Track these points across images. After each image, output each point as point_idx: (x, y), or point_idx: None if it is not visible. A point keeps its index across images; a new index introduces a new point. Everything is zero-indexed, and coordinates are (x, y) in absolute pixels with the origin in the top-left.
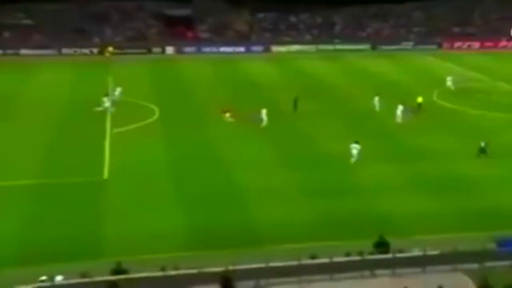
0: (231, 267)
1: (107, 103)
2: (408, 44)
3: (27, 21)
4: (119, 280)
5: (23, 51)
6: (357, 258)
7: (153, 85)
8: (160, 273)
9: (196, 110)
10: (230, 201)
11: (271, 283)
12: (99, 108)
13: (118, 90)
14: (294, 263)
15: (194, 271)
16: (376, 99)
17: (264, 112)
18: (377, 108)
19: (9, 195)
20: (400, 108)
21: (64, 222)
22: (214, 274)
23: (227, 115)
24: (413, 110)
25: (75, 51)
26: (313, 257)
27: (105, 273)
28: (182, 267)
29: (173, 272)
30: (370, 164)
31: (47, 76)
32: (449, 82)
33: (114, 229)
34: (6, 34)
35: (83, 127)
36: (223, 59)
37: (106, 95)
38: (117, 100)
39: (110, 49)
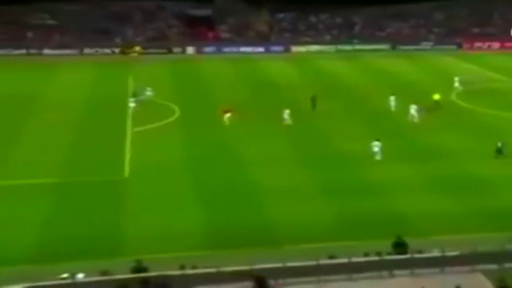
0: (249, 267)
1: (131, 102)
2: (427, 45)
3: (51, 21)
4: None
5: (46, 51)
6: (376, 258)
7: (173, 84)
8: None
9: (216, 110)
10: (248, 200)
11: (289, 283)
12: (131, 104)
13: (148, 90)
14: (312, 263)
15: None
16: (392, 98)
17: (287, 112)
18: (392, 108)
19: (32, 193)
20: (413, 107)
21: (85, 220)
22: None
23: (228, 115)
24: (428, 108)
25: (96, 51)
26: (331, 257)
27: (125, 271)
28: (200, 266)
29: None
30: (388, 164)
31: (69, 75)
32: (456, 83)
33: (134, 227)
34: (30, 34)
35: (104, 126)
36: (243, 59)
37: (135, 95)
38: (146, 100)
39: (137, 48)
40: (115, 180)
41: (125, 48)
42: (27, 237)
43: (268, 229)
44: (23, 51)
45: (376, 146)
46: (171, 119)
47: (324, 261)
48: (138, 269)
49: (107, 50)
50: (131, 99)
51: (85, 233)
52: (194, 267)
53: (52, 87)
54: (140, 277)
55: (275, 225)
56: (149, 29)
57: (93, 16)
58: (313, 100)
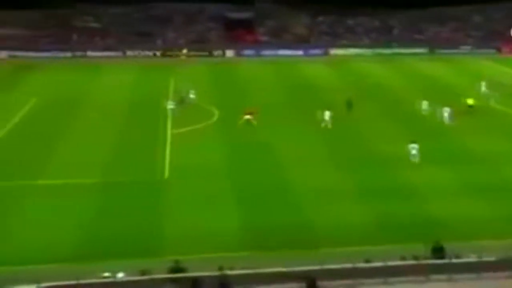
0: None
1: (171, 105)
2: (466, 48)
3: (95, 24)
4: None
5: (90, 53)
6: (412, 262)
7: (212, 87)
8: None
9: (253, 112)
10: (286, 202)
11: (325, 286)
12: (170, 106)
13: (189, 92)
14: (348, 265)
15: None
16: (425, 102)
17: (327, 114)
18: (425, 111)
19: (75, 193)
20: (447, 110)
21: (125, 220)
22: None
23: (247, 117)
24: (462, 112)
25: (138, 53)
26: (367, 261)
27: (164, 271)
28: (237, 267)
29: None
30: (424, 166)
31: (112, 77)
32: (483, 87)
33: (173, 227)
34: (75, 37)
35: (145, 127)
36: (282, 62)
37: (175, 97)
38: (186, 102)
39: (185, 51)
40: (155, 181)
41: (171, 51)
42: (69, 235)
43: (304, 231)
44: (68, 53)
45: (413, 149)
46: (210, 121)
47: (360, 264)
48: (176, 269)
49: (149, 53)
50: (171, 102)
51: (125, 232)
52: (231, 268)
53: (95, 89)
54: (192, 277)
55: (312, 227)
56: (190, 32)
57: (135, 19)
58: (350, 103)
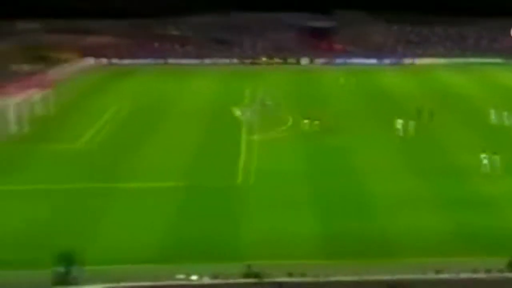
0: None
1: (246, 111)
2: None
3: (175, 33)
4: None
5: (171, 61)
6: (484, 275)
7: (288, 94)
8: None
9: (328, 119)
10: (363, 209)
11: None
12: (246, 113)
13: (265, 99)
14: (420, 276)
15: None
16: (504, 113)
17: (400, 122)
18: (502, 121)
19: (156, 196)
20: None
21: (202, 224)
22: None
23: (316, 122)
24: None
25: (217, 61)
26: (438, 272)
27: (237, 276)
28: (312, 274)
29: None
30: (503, 178)
31: (192, 84)
32: None
33: (247, 232)
34: (156, 45)
35: (224, 133)
36: (357, 70)
37: (256, 104)
38: (263, 109)
39: (264, 59)
40: (233, 185)
41: (250, 59)
42: (150, 237)
43: (379, 241)
44: (150, 61)
45: (485, 159)
46: (285, 127)
47: (431, 276)
48: (249, 274)
49: (227, 60)
50: (246, 108)
51: (201, 236)
52: (303, 275)
53: (176, 95)
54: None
55: (387, 236)
56: (267, 40)
57: (214, 28)
58: (427, 112)
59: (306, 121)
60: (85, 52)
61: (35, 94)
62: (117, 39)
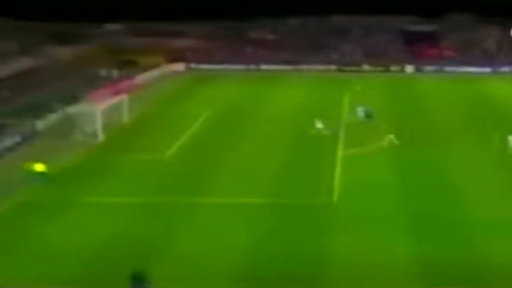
0: None
1: (319, 124)
2: None
3: (271, 36)
4: None
5: (264, 66)
6: None
7: (389, 104)
8: None
9: (431, 133)
10: (459, 233)
11: None
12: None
13: (360, 110)
14: None
15: None
16: None
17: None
18: None
19: (241, 212)
20: None
21: (291, 243)
22: None
23: (391, 136)
24: None
25: (313, 67)
26: None
27: None
28: None
29: None
30: None
31: (284, 91)
32: None
33: (339, 252)
34: (249, 49)
35: (314, 145)
36: (467, 80)
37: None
38: (362, 120)
39: (366, 67)
40: (323, 203)
41: (348, 66)
42: (232, 255)
43: (477, 267)
44: (242, 66)
45: None
46: (383, 141)
47: None
48: None
49: (323, 66)
50: (318, 121)
51: (290, 255)
52: None
53: (267, 103)
54: None
55: (485, 263)
56: (367, 45)
57: (312, 31)
58: None
59: (407, 133)
60: (173, 56)
61: (121, 100)
62: (207, 42)
